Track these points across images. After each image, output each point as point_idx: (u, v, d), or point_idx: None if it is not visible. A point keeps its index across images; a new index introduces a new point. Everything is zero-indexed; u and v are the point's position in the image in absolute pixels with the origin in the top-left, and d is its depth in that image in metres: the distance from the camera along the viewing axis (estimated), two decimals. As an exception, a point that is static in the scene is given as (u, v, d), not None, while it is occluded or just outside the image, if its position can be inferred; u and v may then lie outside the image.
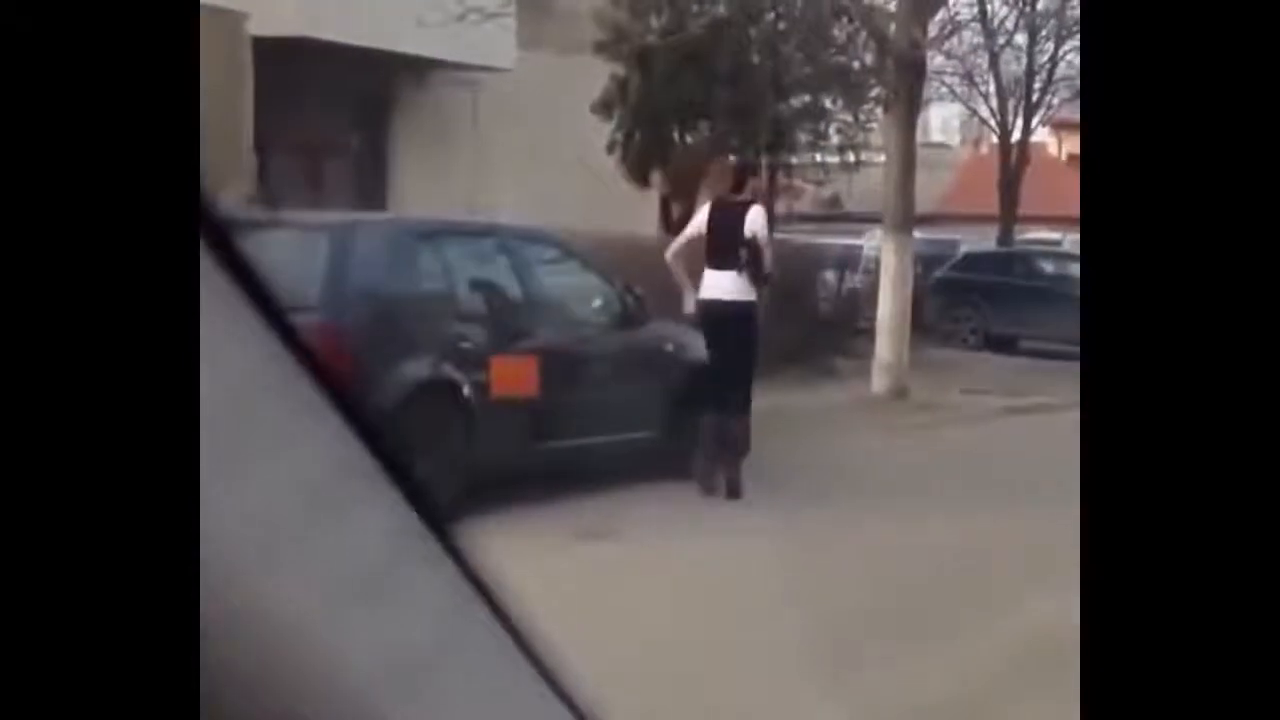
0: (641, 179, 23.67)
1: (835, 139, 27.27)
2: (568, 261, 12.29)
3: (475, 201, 20.24)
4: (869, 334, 19.38)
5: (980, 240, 33.69)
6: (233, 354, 0.91)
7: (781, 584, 8.03)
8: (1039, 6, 35.73)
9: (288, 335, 0.95)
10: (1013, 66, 37.07)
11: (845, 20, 24.19)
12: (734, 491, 11.42)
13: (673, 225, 24.38)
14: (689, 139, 24.18)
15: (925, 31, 20.32)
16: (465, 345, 10.64)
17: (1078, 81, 35.44)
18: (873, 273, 20.96)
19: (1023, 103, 36.77)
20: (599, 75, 22.91)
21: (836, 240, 26.23)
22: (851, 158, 27.25)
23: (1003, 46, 36.62)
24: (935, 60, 31.12)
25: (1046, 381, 20.42)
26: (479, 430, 10.47)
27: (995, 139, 38.60)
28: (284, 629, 0.93)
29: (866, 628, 7.70)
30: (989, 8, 34.53)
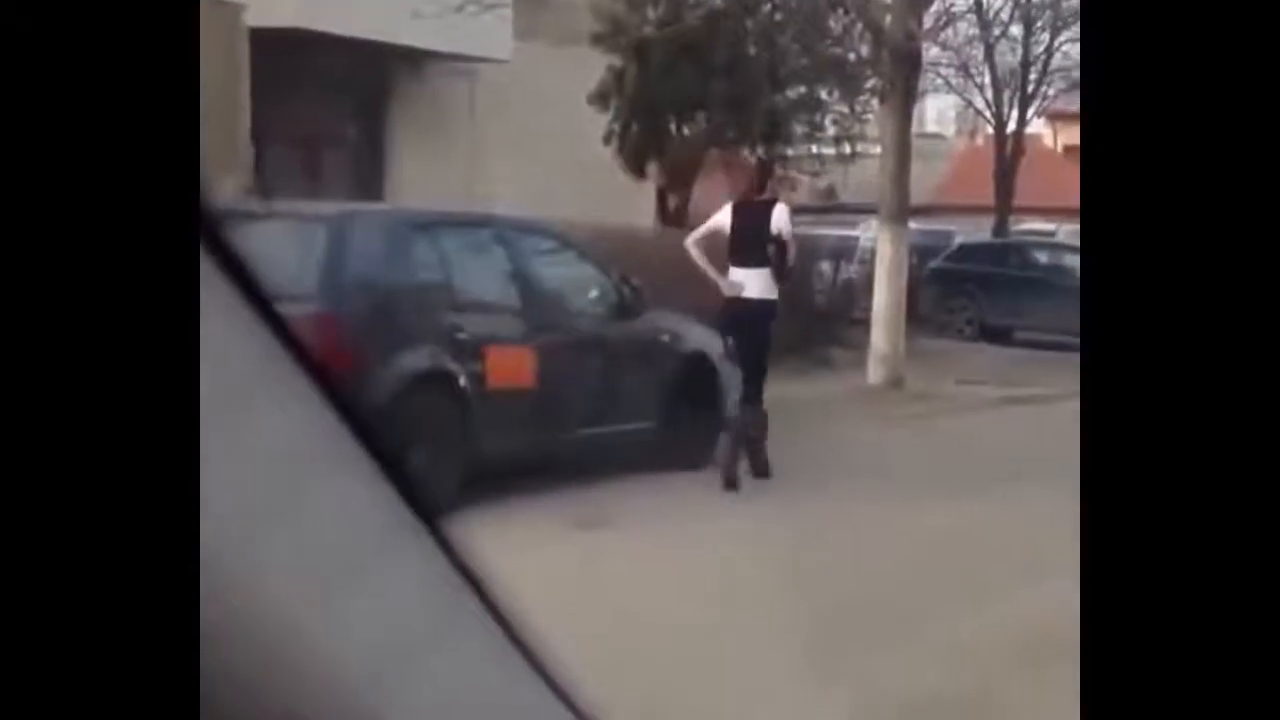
0: (638, 170, 23.64)
1: (831, 130, 27.19)
2: (564, 252, 12.29)
3: (472, 192, 20.22)
4: (865, 324, 19.37)
5: (975, 231, 33.63)
6: (225, 346, 0.92)
7: (778, 573, 8.04)
8: (1034, -3, 35.68)
9: (279, 327, 0.96)
10: (1008, 58, 36.99)
11: (841, 12, 24.13)
12: (762, 472, 11.79)
13: (669, 216, 24.37)
14: (685, 130, 24.15)
15: (920, 23, 20.30)
16: (462, 336, 10.63)
17: (1073, 72, 35.49)
18: (868, 263, 20.94)
19: (1018, 94, 36.69)
20: (596, 66, 22.88)
21: (832, 231, 26.17)
22: (847, 149, 27.18)
23: (998, 38, 36.53)
24: (930, 51, 31.03)
25: (1042, 372, 20.41)
26: (475, 421, 10.47)
27: (990, 130, 38.53)
28: (272, 619, 0.93)
29: (862, 617, 7.70)
30: (984, -1, 34.50)
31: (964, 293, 27.32)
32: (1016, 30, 36.47)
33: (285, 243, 10.27)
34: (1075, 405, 1.60)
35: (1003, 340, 26.25)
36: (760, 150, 23.10)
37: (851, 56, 25.66)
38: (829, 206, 30.73)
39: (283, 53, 18.38)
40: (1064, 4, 33.97)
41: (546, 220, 12.93)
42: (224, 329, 0.92)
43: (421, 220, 11.59)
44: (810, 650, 6.75)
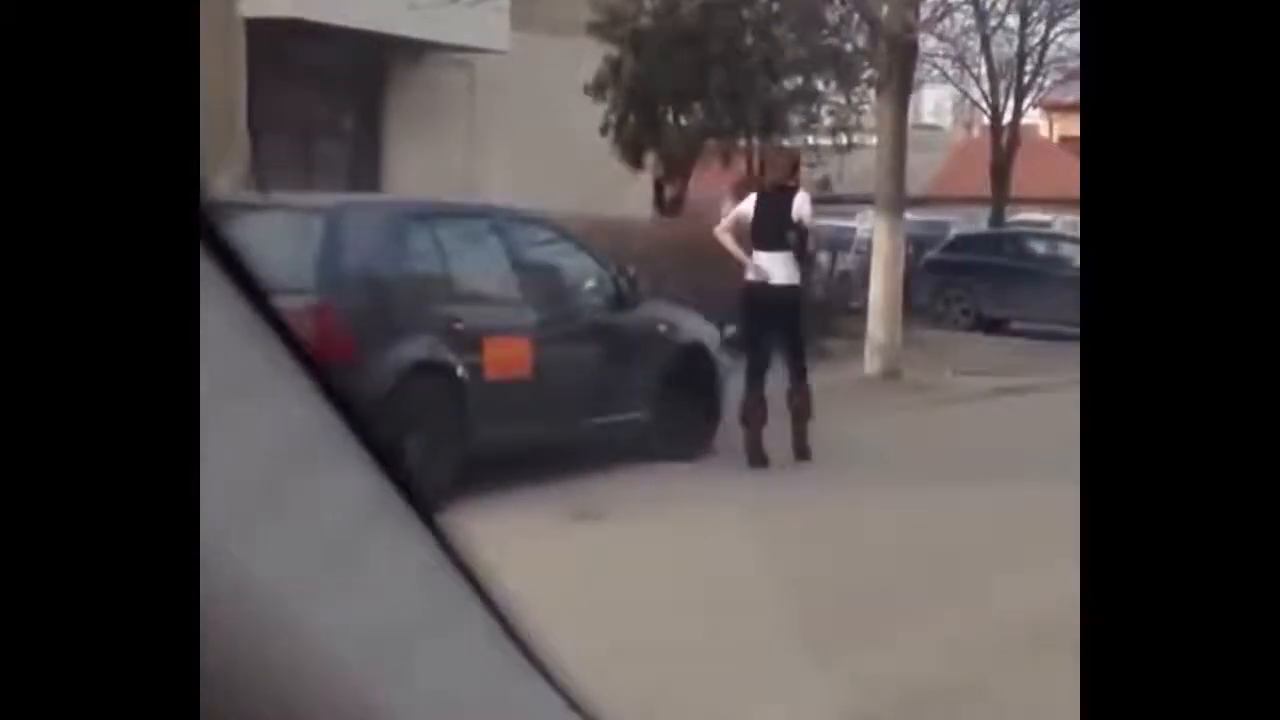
0: (635, 161, 23.63)
1: (827, 121, 27.20)
2: (561, 243, 12.28)
3: (469, 183, 20.23)
4: (861, 315, 19.36)
5: (972, 222, 33.63)
6: (220, 338, 0.92)
7: (775, 564, 8.04)
8: (1031, -11, 35.65)
9: (274, 319, 0.96)
10: (1004, 49, 36.93)
11: (837, 2, 24.14)
12: (803, 453, 12.27)
13: (666, 207, 24.36)
14: (682, 121, 24.14)
15: (917, 14, 20.29)
16: (458, 326, 10.63)
17: (1069, 63, 35.47)
18: (865, 254, 20.93)
19: (1014, 85, 36.65)
20: (592, 57, 22.87)
21: (829, 222, 26.17)
22: (844, 140, 27.19)
23: (994, 29, 36.47)
24: (927, 42, 30.97)
25: (1038, 362, 20.42)
26: (472, 411, 10.47)
27: (987, 121, 38.49)
28: (266, 611, 0.93)
29: (860, 607, 7.71)
30: (981, -10, 34.44)
31: (960, 283, 27.30)
32: (1013, 21, 36.42)
33: (282, 234, 10.27)
34: (1072, 395, 1.61)
35: (999, 330, 26.24)
36: (742, 135, 23.11)
37: (848, 47, 25.67)
38: (825, 197, 30.65)
39: (279, 43, 18.39)
40: (1060, -5, 33.96)
41: (543, 211, 12.93)
42: (218, 321, 0.92)
43: (418, 211, 11.59)
44: (808, 641, 6.76)
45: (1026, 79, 36.86)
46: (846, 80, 26.31)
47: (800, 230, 12.18)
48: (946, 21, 35.25)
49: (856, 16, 22.66)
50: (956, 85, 40.59)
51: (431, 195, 14.68)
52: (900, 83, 19.30)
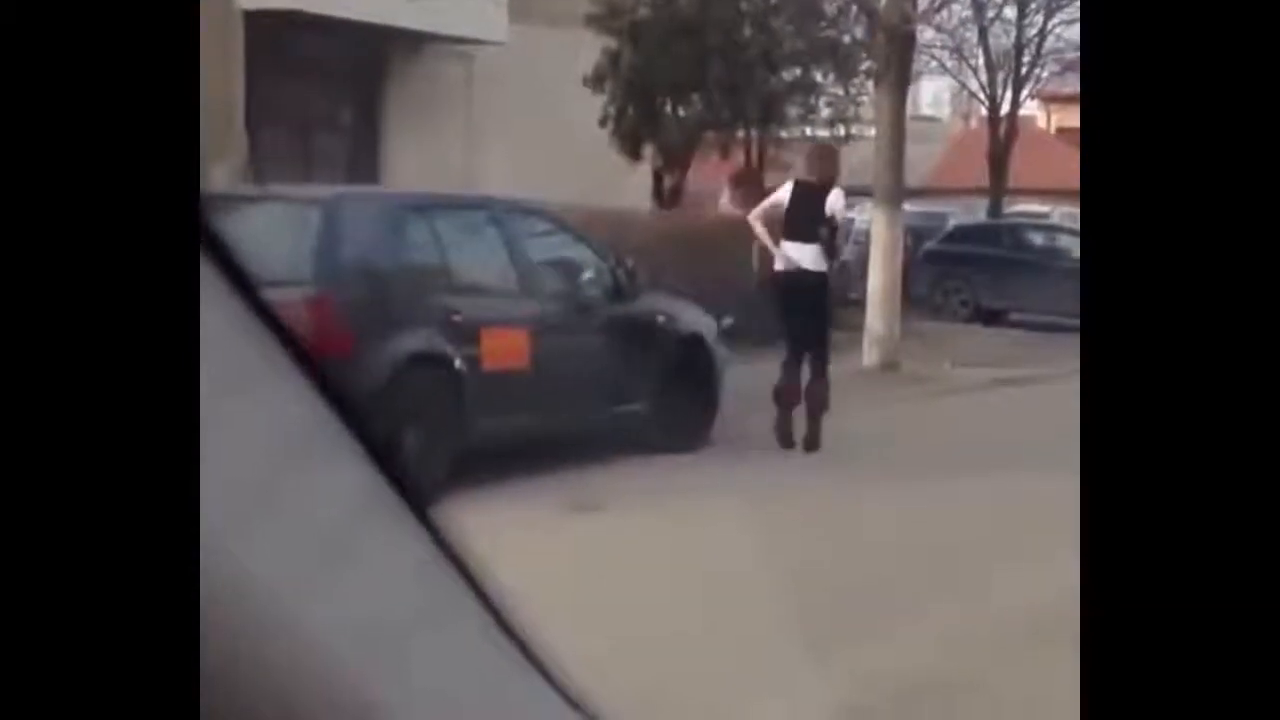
0: (633, 152, 23.63)
1: (826, 112, 27.20)
2: (560, 234, 12.27)
3: (467, 175, 20.22)
4: (860, 306, 19.36)
5: (970, 213, 33.63)
6: (214, 333, 0.91)
7: (772, 556, 8.04)
8: (1029, -21, 35.64)
9: (267, 313, 0.95)
10: (1002, 40, 36.92)
11: (836, -6, 24.16)
12: (812, 445, 12.44)
13: (665, 198, 24.36)
14: (681, 112, 24.14)
15: (915, 5, 20.28)
16: (457, 318, 10.62)
17: (1067, 55, 35.47)
18: (863, 245, 20.94)
19: (1012, 76, 36.66)
20: (591, 48, 22.86)
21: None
22: (842, 131, 27.18)
23: (992, 20, 36.47)
24: (925, 34, 30.94)
25: (1037, 353, 20.42)
26: (470, 403, 10.47)
27: (985, 112, 38.50)
28: (261, 606, 0.93)
29: (859, 599, 7.71)
30: (979, -19, 34.44)
31: (958, 275, 27.31)
32: (1010, 13, 36.41)
33: (279, 226, 10.27)
34: (1071, 386, 1.60)
35: (997, 322, 26.25)
36: (741, 127, 23.06)
37: (846, 39, 25.69)
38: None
39: (277, 36, 18.37)
40: (1058, -13, 33.96)
41: (542, 202, 12.92)
42: (212, 316, 0.91)
43: (417, 202, 11.58)
44: (806, 634, 6.75)
45: (1024, 70, 36.86)
46: (845, 72, 26.32)
47: (833, 225, 12.55)
48: (944, 13, 35.19)
49: (854, 8, 22.67)
50: (954, 77, 40.57)
51: (430, 187, 14.66)
52: (898, 74, 19.30)
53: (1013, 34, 36.65)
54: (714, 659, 6.57)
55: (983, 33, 36.32)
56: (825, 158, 13.36)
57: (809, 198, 12.57)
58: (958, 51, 37.84)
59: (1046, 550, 6.68)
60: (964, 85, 40.60)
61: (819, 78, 26.58)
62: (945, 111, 52.15)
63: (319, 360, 0.98)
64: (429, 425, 9.99)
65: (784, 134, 27.42)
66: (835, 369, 17.14)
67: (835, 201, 12.58)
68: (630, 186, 23.09)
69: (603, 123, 23.13)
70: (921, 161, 36.29)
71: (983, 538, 9.27)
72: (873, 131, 20.83)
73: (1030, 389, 17.33)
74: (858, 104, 26.82)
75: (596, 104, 23.06)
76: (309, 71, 20.56)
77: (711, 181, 27.97)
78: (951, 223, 30.62)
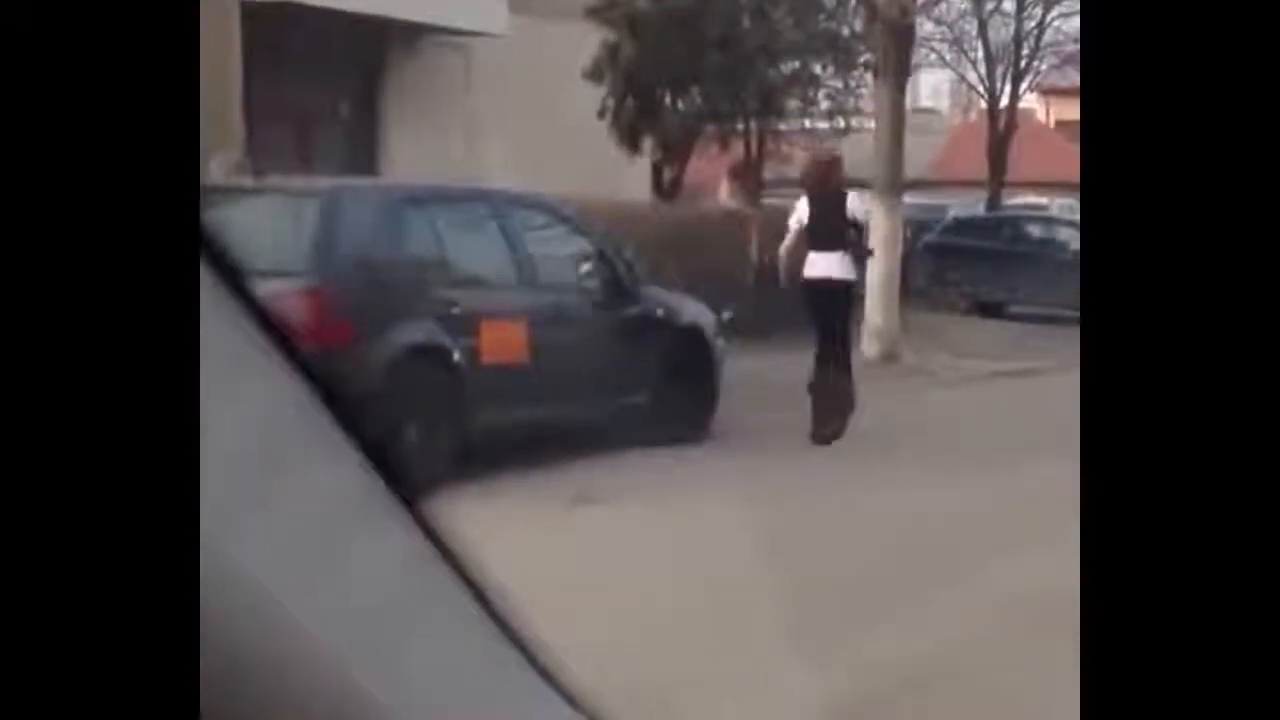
0: (632, 144, 23.61)
1: (825, 105, 27.18)
2: (559, 227, 12.26)
3: (466, 167, 20.20)
4: (858, 298, 19.36)
5: (969, 205, 33.64)
6: (205, 328, 0.91)
7: (772, 547, 8.04)
8: (1028, -28, 35.68)
9: (256, 308, 0.95)
10: (1001, 33, 37.01)
11: (835, -14, 24.14)
12: (834, 437, 12.62)
13: (664, 191, 24.36)
14: (680, 104, 24.12)
15: (914, -2, 20.30)
16: (455, 310, 10.62)
17: (1065, 47, 35.51)
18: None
19: (1011, 69, 36.70)
20: (590, 41, 22.85)
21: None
22: (841, 123, 27.16)
23: (991, 12, 36.55)
24: (924, 26, 31.05)
25: (1036, 346, 20.43)
26: (469, 395, 10.47)
27: (984, 105, 38.54)
28: (250, 597, 0.92)
29: (859, 590, 7.71)
30: (978, -27, 34.49)
31: (957, 267, 27.31)
32: (1010, 5, 36.48)
33: (277, 218, 10.28)
34: (1070, 379, 1.60)
35: (996, 314, 26.26)
36: (740, 119, 23.04)
37: (845, 31, 25.68)
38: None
39: (275, 27, 18.34)
40: (1057, -21, 33.99)
41: (541, 194, 12.90)
42: (203, 309, 0.91)
43: (414, 194, 11.57)
44: (806, 624, 6.76)
45: (1023, 63, 36.91)
46: (844, 64, 26.30)
47: (858, 229, 13.05)
48: (943, 6, 35.38)
49: (854, 1, 22.64)
50: (954, 69, 40.67)
51: (429, 179, 14.64)
52: (897, 67, 19.31)
53: (1012, 27, 36.72)
54: (714, 650, 6.56)
55: (982, 25, 36.42)
56: (829, 167, 13.52)
57: (825, 207, 12.84)
58: (957, 44, 37.95)
59: (1046, 541, 6.67)
60: (963, 78, 40.69)
61: (818, 70, 26.55)
62: (944, 104, 52.16)
63: (310, 353, 0.98)
64: (428, 418, 9.99)
65: (783, 126, 27.42)
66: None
67: (855, 205, 13.07)
68: (629, 179, 23.07)
69: (601, 115, 23.11)
70: (920, 154, 36.27)
71: (982, 529, 9.27)
72: (872, 124, 20.85)
73: (1029, 381, 17.35)
74: (857, 96, 26.80)
75: (595, 96, 23.03)
76: (307, 63, 20.54)
77: (711, 174, 27.98)
78: (950, 215, 30.62)
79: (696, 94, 24.08)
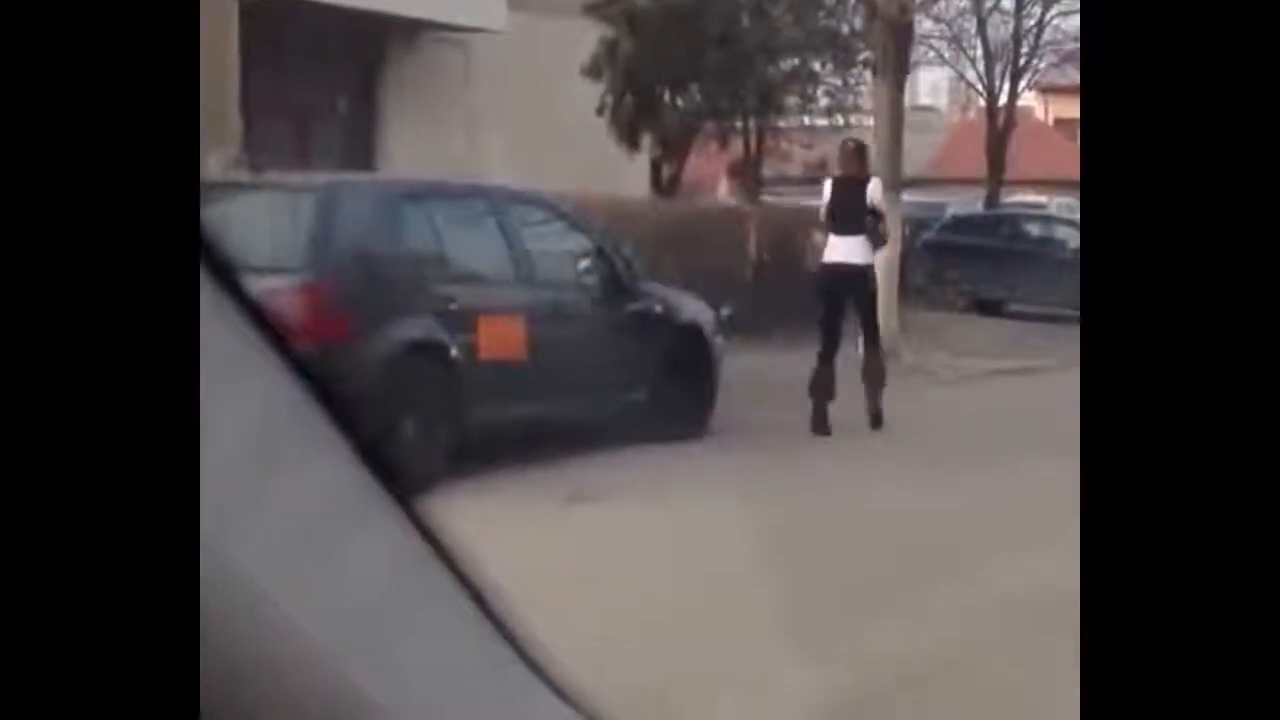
0: (631, 141, 23.61)
1: (824, 102, 27.18)
2: (557, 223, 12.25)
3: (465, 163, 20.19)
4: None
5: (968, 203, 33.65)
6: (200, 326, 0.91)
7: (770, 545, 8.04)
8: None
9: (249, 305, 0.94)
10: (1000, 31, 37.05)
11: (834, -16, 24.14)
12: (877, 422, 13.12)
13: (663, 187, 24.36)
14: (679, 101, 24.12)
15: (914, -5, 20.30)
16: (453, 307, 10.61)
17: (1064, 46, 35.55)
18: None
19: (1010, 67, 36.73)
20: (589, 37, 22.84)
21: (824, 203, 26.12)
22: (840, 120, 27.17)
23: (990, 11, 36.59)
24: (923, 24, 31.07)
25: (1034, 344, 20.44)
26: (467, 391, 10.46)
27: (983, 103, 38.57)
28: (243, 595, 0.92)
29: (858, 588, 7.71)
30: (977, -28, 34.51)
31: (956, 265, 27.31)
32: (1008, 3, 36.51)
33: (276, 213, 10.27)
34: (1068, 377, 1.60)
35: (995, 312, 26.27)
36: (739, 116, 23.00)
37: (844, 29, 25.68)
38: (821, 178, 30.71)
39: (273, 23, 18.33)
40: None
41: (539, 191, 12.89)
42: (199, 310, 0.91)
43: (412, 190, 11.57)
44: (805, 621, 6.76)
45: (1022, 61, 36.95)
46: (843, 62, 26.30)
47: (878, 215, 13.32)
48: (942, 3, 35.41)
49: (853, -2, 22.63)
50: (953, 67, 40.70)
51: (427, 175, 14.63)
52: (896, 64, 19.32)
53: (1011, 25, 36.75)
54: (713, 648, 6.56)
55: (981, 23, 36.46)
56: (858, 152, 13.95)
57: (848, 192, 13.20)
58: (956, 42, 37.99)
59: (1045, 538, 6.68)
60: (962, 76, 40.72)
61: (817, 67, 26.55)
62: (943, 102, 52.18)
63: (307, 349, 0.97)
64: (425, 414, 9.98)
65: (782, 123, 27.42)
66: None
67: (875, 192, 13.32)
68: (628, 175, 23.06)
69: (600, 111, 23.10)
70: (919, 151, 36.29)
71: (982, 527, 9.27)
72: (870, 122, 20.85)
73: (1028, 379, 17.35)
74: (856, 94, 26.80)
75: (594, 93, 23.03)
76: (306, 59, 20.52)
77: (710, 171, 27.98)
78: (949, 213, 30.62)
79: (695, 91, 24.08)
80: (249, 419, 0.93)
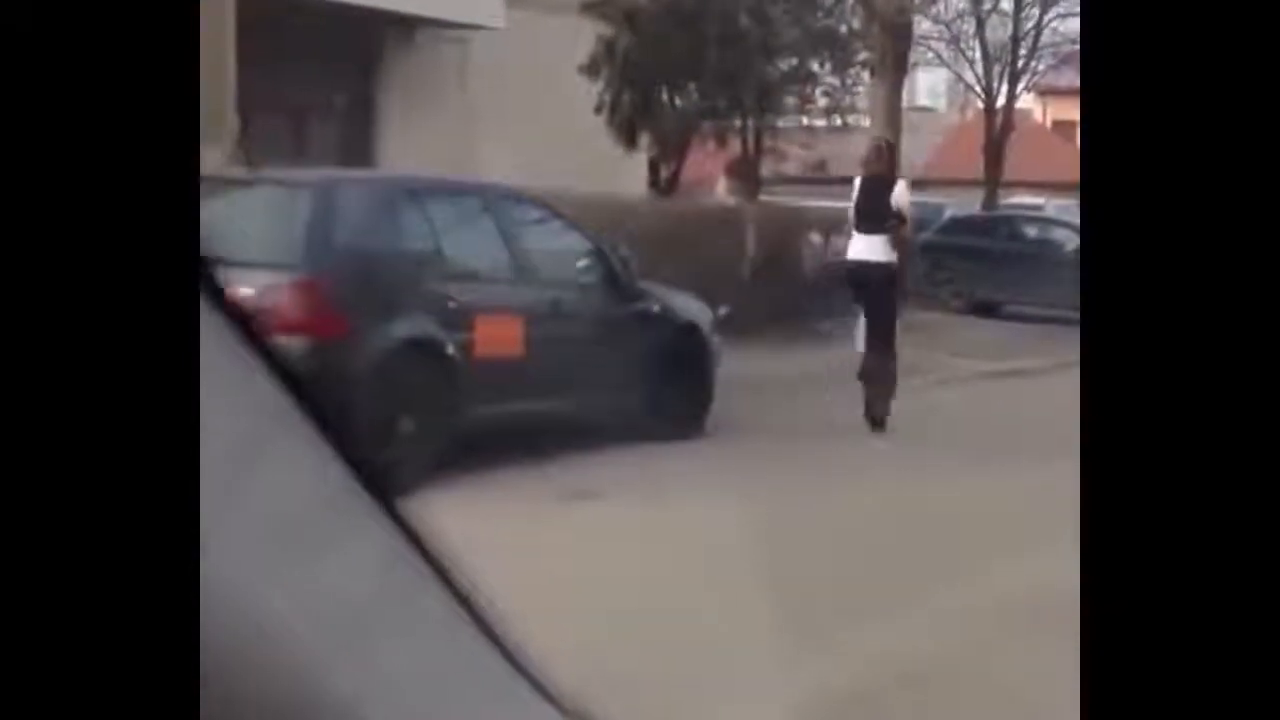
0: (629, 140, 23.61)
1: (822, 102, 27.21)
2: (555, 221, 12.25)
3: (462, 161, 20.18)
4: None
5: (965, 204, 33.68)
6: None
7: (769, 545, 8.04)
8: (1026, -28, 35.77)
9: (229, 307, 0.94)
10: (999, 32, 37.10)
11: (833, -16, 24.16)
12: (879, 424, 13.07)
13: (661, 187, 24.36)
14: (677, 101, 24.13)
15: (913, -4, 20.32)
16: (450, 304, 10.61)
17: (1063, 48, 35.61)
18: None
19: (1008, 69, 36.78)
20: (587, 35, 22.84)
21: (822, 203, 26.21)
22: (838, 121, 27.20)
23: (989, 12, 36.64)
24: (922, 25, 31.07)
25: (1031, 345, 20.46)
26: (463, 390, 10.45)
27: (981, 104, 38.61)
28: (220, 592, 0.92)
29: (857, 588, 7.71)
30: (976, -27, 34.56)
31: (953, 266, 27.32)
32: (1007, 5, 36.57)
33: (272, 210, 10.27)
34: (1065, 378, 1.60)
35: (992, 313, 26.29)
36: (737, 115, 23.03)
37: (843, 29, 25.70)
38: (819, 178, 30.74)
39: (270, 19, 18.32)
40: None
41: (537, 189, 12.89)
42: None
43: (409, 187, 11.56)
44: (804, 621, 6.76)
45: (1020, 63, 37.00)
46: (841, 62, 26.31)
47: (901, 218, 13.28)
48: (941, 5, 35.44)
49: (852, -2, 22.65)
50: (951, 68, 40.75)
51: (424, 172, 14.62)
52: (894, 65, 19.36)
53: (1009, 27, 36.81)
54: (711, 647, 6.56)
55: (980, 25, 36.53)
56: (886, 153, 14.10)
57: (875, 192, 13.27)
58: (954, 43, 38.05)
59: (1042, 538, 6.67)
60: (960, 77, 40.77)
61: (816, 67, 26.57)
62: (941, 103, 52.25)
63: (299, 346, 0.97)
64: (421, 412, 9.98)
65: (780, 123, 27.42)
66: (828, 359, 17.23)
67: (900, 195, 13.33)
68: (626, 174, 23.06)
69: (598, 110, 23.10)
70: (917, 153, 36.34)
71: (980, 527, 9.27)
72: (868, 122, 20.86)
73: (1025, 380, 17.35)
74: (854, 94, 26.83)
75: (593, 91, 23.03)
76: (303, 55, 20.51)
77: (708, 170, 27.97)
78: (947, 214, 30.64)
79: (694, 90, 24.09)
80: (227, 419, 0.93)
